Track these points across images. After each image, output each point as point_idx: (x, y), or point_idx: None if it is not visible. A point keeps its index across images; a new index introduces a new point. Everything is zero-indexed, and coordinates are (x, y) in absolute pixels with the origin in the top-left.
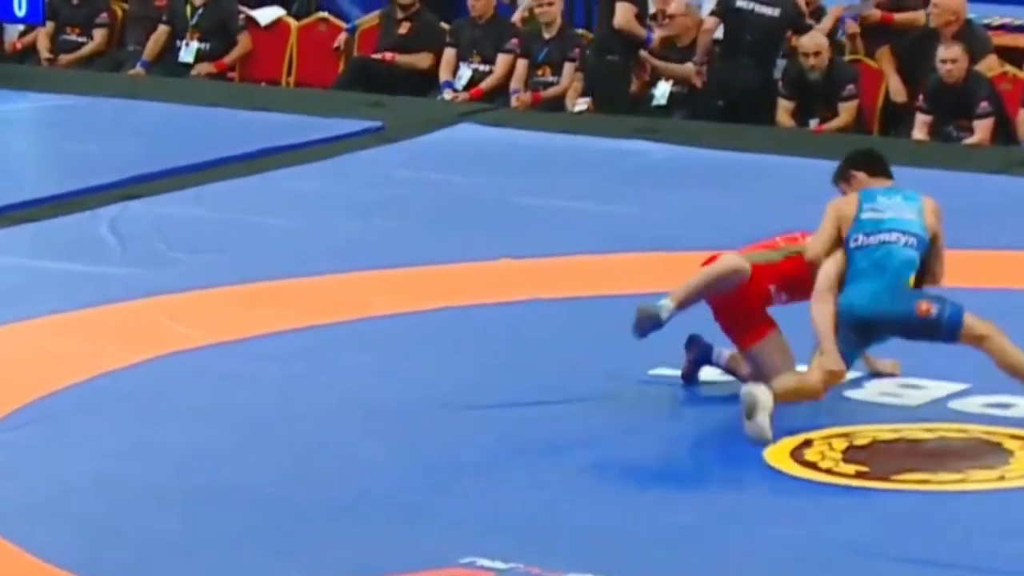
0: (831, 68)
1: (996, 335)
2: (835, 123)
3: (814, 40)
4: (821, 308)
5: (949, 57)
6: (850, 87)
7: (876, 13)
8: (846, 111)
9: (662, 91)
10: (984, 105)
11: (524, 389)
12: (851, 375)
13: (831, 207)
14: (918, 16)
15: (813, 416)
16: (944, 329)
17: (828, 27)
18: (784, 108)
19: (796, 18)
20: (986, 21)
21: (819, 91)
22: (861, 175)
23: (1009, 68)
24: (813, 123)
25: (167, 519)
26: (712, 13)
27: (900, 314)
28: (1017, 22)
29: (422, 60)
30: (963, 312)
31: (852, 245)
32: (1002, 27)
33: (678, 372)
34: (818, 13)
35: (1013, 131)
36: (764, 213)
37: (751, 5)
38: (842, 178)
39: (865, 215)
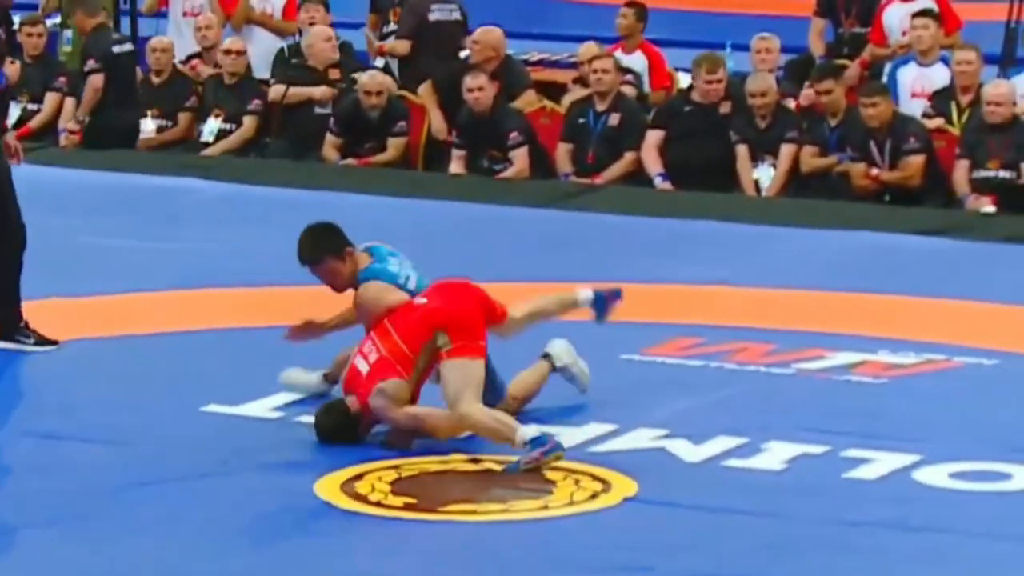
0: (384, 111)
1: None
2: (381, 158)
3: (376, 79)
4: None
5: (475, 85)
6: (401, 124)
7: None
8: (394, 147)
9: (211, 128)
10: (515, 136)
11: (75, 430)
12: None
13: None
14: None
15: (365, 450)
16: None
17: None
18: (331, 144)
19: None
20: (524, 57)
21: (373, 128)
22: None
23: (548, 103)
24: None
25: None
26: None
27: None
28: (554, 57)
29: None
30: None
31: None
32: (540, 63)
33: (230, 409)
34: (346, 49)
35: (551, 164)
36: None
37: None
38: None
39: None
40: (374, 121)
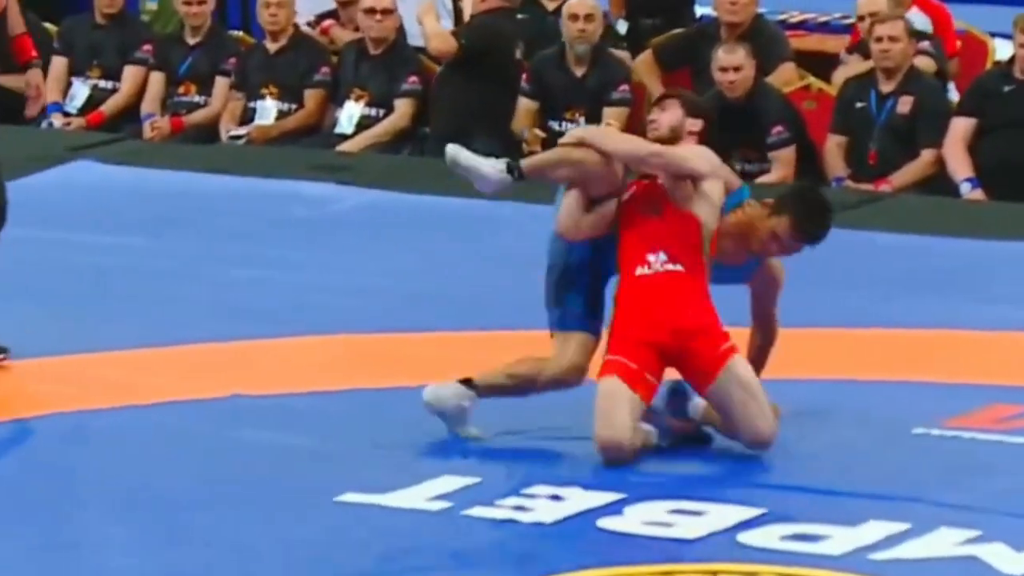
0: (596, 63)
1: None
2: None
3: (586, 2)
4: None
5: (732, 64)
6: (624, 88)
7: None
8: (613, 118)
9: (349, 114)
10: (779, 130)
11: (168, 525)
12: (607, 497)
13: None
14: None
15: (554, 553)
16: None
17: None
18: (525, 109)
19: None
20: (780, 17)
21: (578, 88)
22: None
23: (812, 80)
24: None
25: None
26: None
27: None
28: (822, 18)
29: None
30: None
31: None
32: (802, 25)
33: (375, 498)
34: None
35: (819, 165)
36: (490, 277)
37: None
38: None
39: None
40: (577, 77)
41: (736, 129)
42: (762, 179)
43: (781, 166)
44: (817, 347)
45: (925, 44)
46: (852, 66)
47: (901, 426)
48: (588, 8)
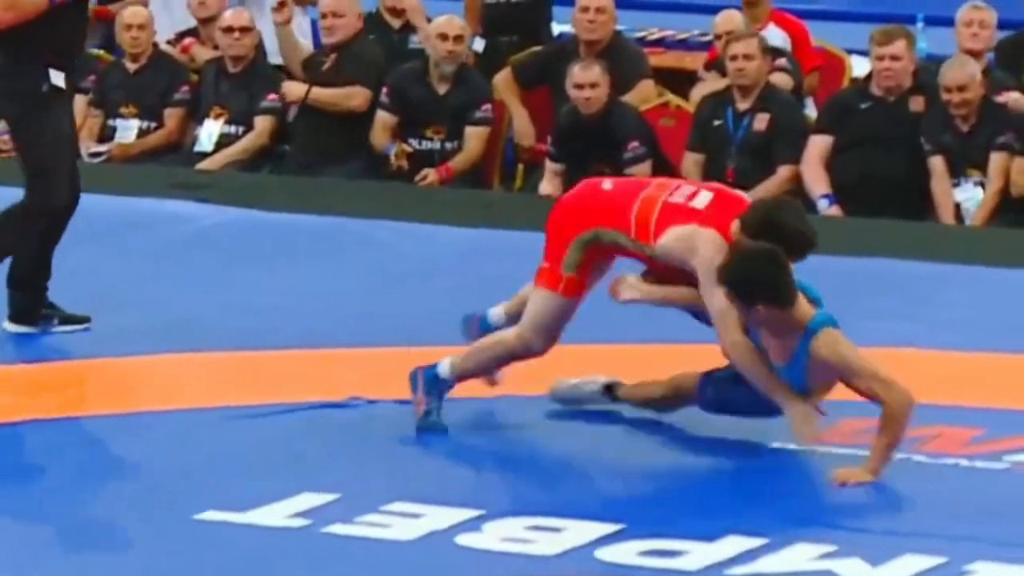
0: (459, 81)
1: None
2: (461, 161)
3: (454, 23)
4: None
5: (587, 80)
6: (486, 107)
7: None
8: (475, 137)
9: (209, 132)
10: (634, 146)
11: (21, 541)
12: (465, 514)
13: None
14: None
15: (413, 571)
16: None
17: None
18: (383, 124)
19: None
20: (639, 34)
21: (439, 105)
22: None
23: (671, 97)
24: (430, 173)
25: None
26: None
27: None
28: (680, 35)
29: None
30: None
31: None
32: (660, 42)
33: (235, 516)
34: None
35: None
36: (353, 294)
37: None
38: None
39: None
40: (440, 95)
41: (591, 145)
42: None
43: None
44: (674, 363)
45: (781, 61)
46: (709, 83)
47: (758, 440)
48: (458, 29)
